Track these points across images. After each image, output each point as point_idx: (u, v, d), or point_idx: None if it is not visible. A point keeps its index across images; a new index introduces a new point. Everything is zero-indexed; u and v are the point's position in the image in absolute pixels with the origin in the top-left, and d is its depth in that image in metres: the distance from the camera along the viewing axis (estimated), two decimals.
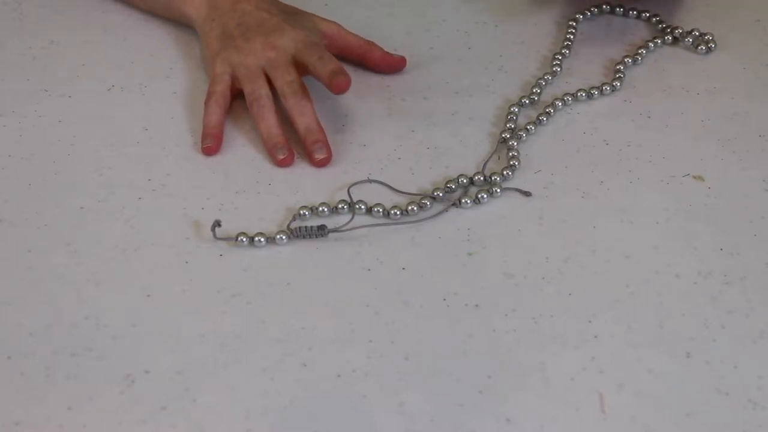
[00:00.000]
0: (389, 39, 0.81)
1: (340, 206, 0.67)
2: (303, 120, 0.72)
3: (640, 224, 0.67)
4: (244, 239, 0.64)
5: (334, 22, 0.79)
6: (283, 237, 0.64)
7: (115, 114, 0.75)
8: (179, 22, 0.83)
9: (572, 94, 0.76)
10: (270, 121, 0.72)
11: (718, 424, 0.55)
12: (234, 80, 0.75)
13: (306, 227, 0.65)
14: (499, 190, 0.68)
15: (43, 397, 0.56)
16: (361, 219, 0.67)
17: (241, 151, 0.72)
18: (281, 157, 0.70)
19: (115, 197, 0.68)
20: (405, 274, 0.63)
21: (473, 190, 0.68)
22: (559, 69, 0.79)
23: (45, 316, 0.60)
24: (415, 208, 0.67)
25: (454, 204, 0.67)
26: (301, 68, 0.74)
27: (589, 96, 0.77)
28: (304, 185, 0.69)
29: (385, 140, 0.73)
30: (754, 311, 0.61)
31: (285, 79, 0.73)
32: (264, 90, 0.73)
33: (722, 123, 0.75)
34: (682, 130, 0.74)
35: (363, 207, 0.67)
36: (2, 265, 0.63)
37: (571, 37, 0.82)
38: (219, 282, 0.62)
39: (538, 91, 0.77)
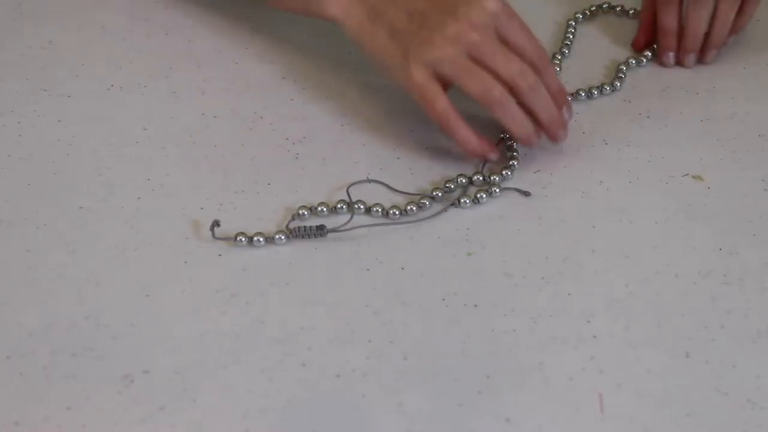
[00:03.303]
0: None
1: (338, 206, 0.67)
2: (546, 114, 0.68)
3: (640, 224, 0.67)
4: (243, 239, 0.64)
5: None
6: (282, 237, 0.64)
7: (114, 114, 0.75)
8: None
9: (571, 94, 0.76)
10: (523, 122, 0.67)
11: (717, 424, 0.55)
12: (439, 78, 0.66)
13: (305, 227, 0.65)
14: (498, 190, 0.68)
15: (41, 397, 0.56)
16: (360, 219, 0.67)
17: (240, 151, 0.72)
18: (538, 142, 0.69)
19: (114, 197, 0.68)
20: (404, 274, 0.63)
21: (472, 189, 0.68)
22: (558, 69, 0.79)
23: (44, 316, 0.60)
24: (414, 208, 0.67)
25: (453, 204, 0.67)
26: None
27: (589, 96, 0.77)
28: (303, 185, 0.69)
29: (385, 140, 0.73)
30: (753, 311, 0.61)
31: (511, 70, 0.66)
32: (497, 88, 0.65)
33: (722, 123, 0.75)
34: (681, 130, 0.74)
35: (362, 207, 0.67)
36: (1, 265, 0.63)
37: (571, 36, 0.82)
38: (218, 282, 0.62)
39: None
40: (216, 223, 0.64)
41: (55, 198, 0.68)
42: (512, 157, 0.70)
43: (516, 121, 0.67)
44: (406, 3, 0.67)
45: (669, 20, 0.78)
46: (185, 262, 0.64)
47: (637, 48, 0.81)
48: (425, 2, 0.67)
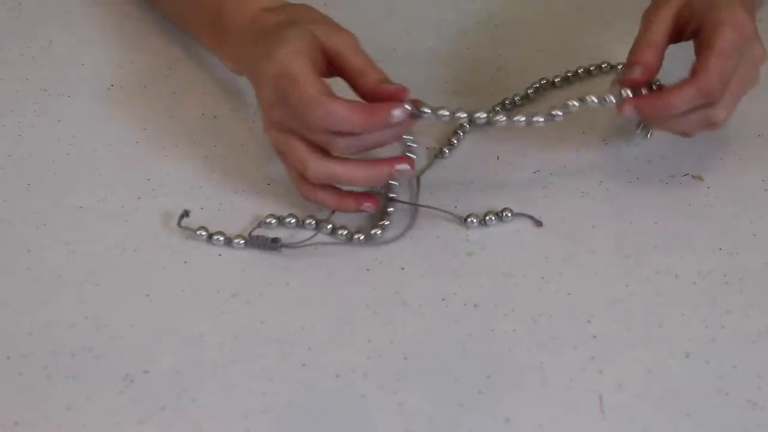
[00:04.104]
0: (388, 39, 0.81)
1: (307, 221, 0.65)
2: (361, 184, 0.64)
3: (639, 224, 0.66)
4: (204, 234, 0.64)
5: (347, 36, 0.65)
6: (241, 242, 0.64)
7: (114, 114, 0.75)
8: None
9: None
10: (324, 200, 0.65)
11: (718, 424, 0.55)
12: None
13: (262, 237, 0.64)
14: (510, 215, 0.67)
15: (42, 397, 0.56)
16: (323, 237, 0.65)
17: (240, 151, 0.72)
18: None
19: (114, 197, 0.68)
20: (404, 273, 0.63)
21: (481, 212, 0.67)
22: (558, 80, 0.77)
23: (44, 315, 0.60)
24: (379, 232, 0.64)
25: (461, 224, 0.66)
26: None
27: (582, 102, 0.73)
28: None
29: None
30: (753, 311, 0.61)
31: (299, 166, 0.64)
32: (294, 173, 0.65)
33: None
34: None
35: (330, 227, 0.65)
36: (1, 264, 0.63)
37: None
38: (218, 282, 0.62)
39: (532, 91, 0.77)
40: (185, 213, 0.64)
41: (54, 198, 0.68)
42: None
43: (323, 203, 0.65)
44: (258, 82, 0.65)
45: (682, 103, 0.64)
46: (185, 262, 0.64)
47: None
48: (257, 69, 0.65)
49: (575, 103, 0.65)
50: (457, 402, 0.56)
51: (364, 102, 0.62)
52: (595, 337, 0.59)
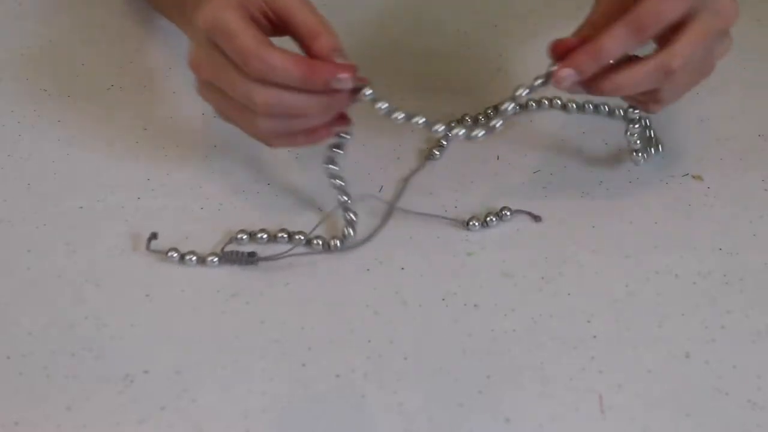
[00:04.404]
0: (387, 39, 0.81)
1: (279, 235, 0.65)
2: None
3: (639, 224, 0.67)
4: (175, 255, 0.63)
5: None
6: (215, 259, 0.63)
7: (114, 114, 0.75)
8: None
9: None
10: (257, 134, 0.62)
11: (718, 424, 0.55)
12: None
13: (237, 252, 0.63)
14: (509, 213, 0.67)
15: (42, 397, 0.56)
16: (300, 249, 0.65)
17: (240, 151, 0.72)
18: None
19: (114, 197, 0.68)
20: (404, 274, 0.63)
21: (482, 213, 0.67)
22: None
23: (44, 315, 0.60)
24: (351, 231, 0.64)
25: (463, 227, 0.66)
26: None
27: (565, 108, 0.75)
28: (303, 186, 0.69)
29: (384, 141, 0.73)
30: (753, 311, 0.61)
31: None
32: (253, 134, 0.63)
33: (722, 123, 0.75)
34: (681, 130, 0.74)
35: (302, 238, 0.65)
36: (1, 265, 0.63)
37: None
38: (218, 282, 0.62)
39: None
40: (153, 236, 0.64)
41: (54, 198, 0.68)
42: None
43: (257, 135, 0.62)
44: (191, 40, 0.62)
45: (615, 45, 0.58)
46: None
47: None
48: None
49: (510, 104, 0.61)
50: (457, 402, 0.56)
51: (306, 57, 0.58)
52: (595, 337, 0.59)
